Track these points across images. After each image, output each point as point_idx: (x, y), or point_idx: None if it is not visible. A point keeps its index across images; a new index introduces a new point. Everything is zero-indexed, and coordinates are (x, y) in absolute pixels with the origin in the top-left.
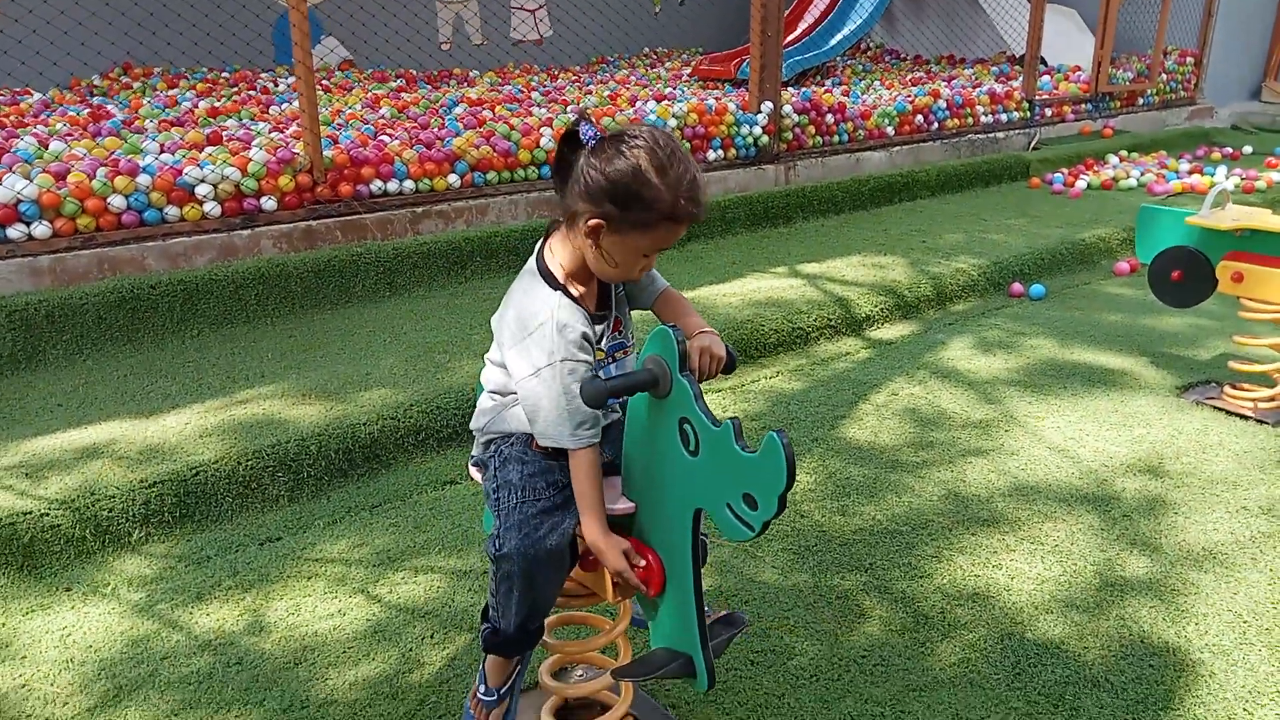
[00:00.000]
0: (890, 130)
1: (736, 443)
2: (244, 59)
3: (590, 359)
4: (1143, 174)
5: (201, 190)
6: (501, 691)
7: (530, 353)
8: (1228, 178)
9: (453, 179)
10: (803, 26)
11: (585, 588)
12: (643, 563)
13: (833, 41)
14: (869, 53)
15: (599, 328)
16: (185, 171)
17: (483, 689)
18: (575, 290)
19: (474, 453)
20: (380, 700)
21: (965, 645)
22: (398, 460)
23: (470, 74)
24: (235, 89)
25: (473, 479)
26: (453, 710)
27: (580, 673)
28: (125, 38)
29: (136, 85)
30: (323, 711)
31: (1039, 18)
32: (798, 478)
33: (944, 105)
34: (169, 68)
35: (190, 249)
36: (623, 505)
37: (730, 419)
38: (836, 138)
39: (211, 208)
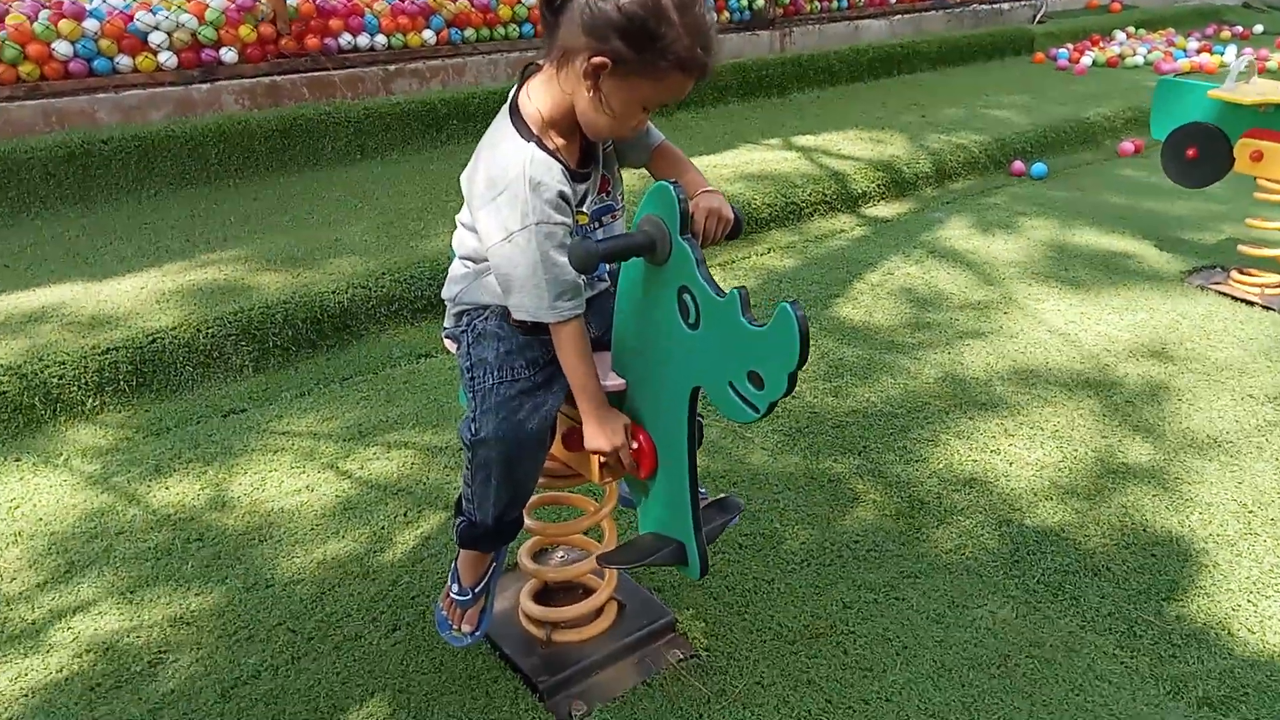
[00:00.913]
0: None
1: (743, 315)
2: None
3: (569, 221)
4: (1150, 51)
5: (155, 38)
6: (476, 590)
7: (501, 214)
8: (1238, 56)
9: (428, 35)
10: None
11: (569, 468)
12: (634, 444)
13: None
14: None
15: (581, 186)
16: (137, 17)
17: (456, 588)
18: (553, 142)
19: (446, 324)
20: (350, 580)
21: (961, 531)
22: (369, 331)
23: None
24: None
25: (448, 351)
26: (426, 592)
27: (561, 554)
28: None
29: None
30: (289, 591)
31: None
32: None
33: None
34: None
35: (144, 102)
36: (612, 383)
37: (737, 288)
38: (835, 3)
39: (167, 58)
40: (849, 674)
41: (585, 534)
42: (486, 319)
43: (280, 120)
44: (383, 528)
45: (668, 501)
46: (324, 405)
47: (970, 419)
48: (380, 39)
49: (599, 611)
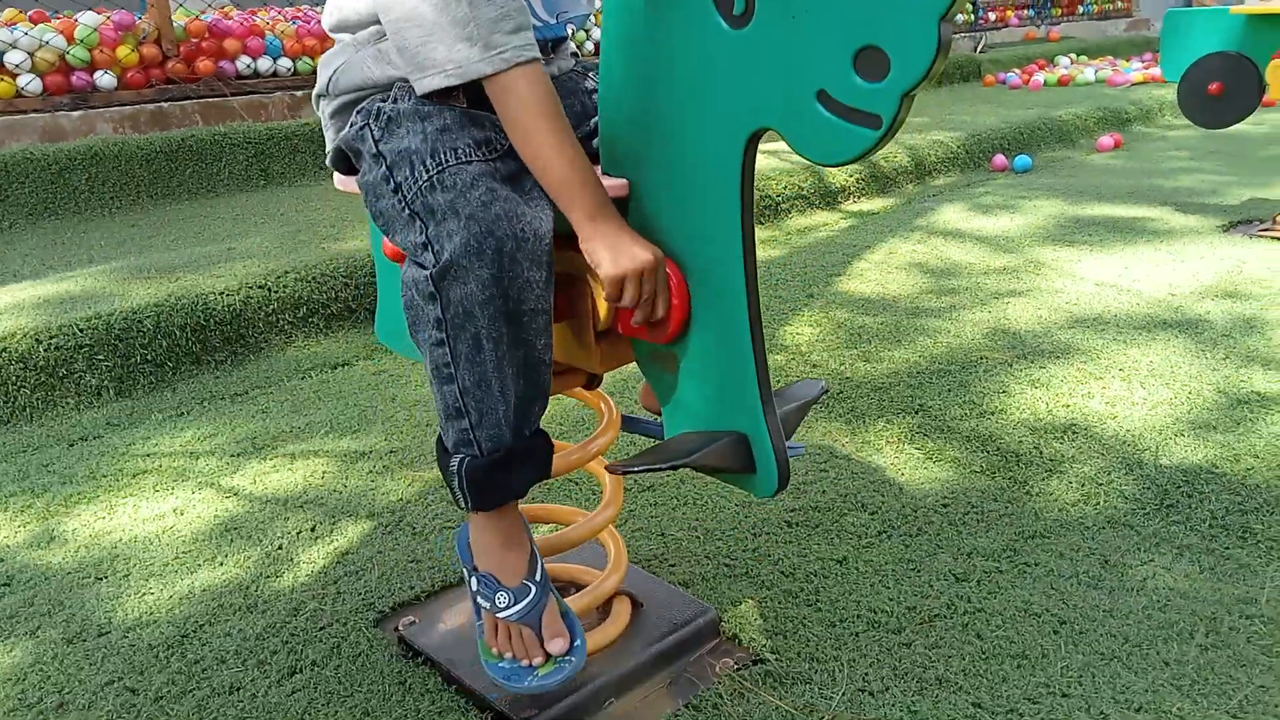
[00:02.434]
0: None
1: None
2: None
3: None
4: (1097, 72)
5: (13, 58)
6: (533, 579)
7: None
8: None
9: None
10: None
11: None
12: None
13: None
14: None
15: None
16: None
17: (499, 597)
18: None
19: (328, 143)
20: (227, 615)
21: (1082, 479)
22: (270, 342)
23: None
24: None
25: (340, 189)
26: (344, 618)
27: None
28: None
29: None
30: (131, 639)
31: None
32: (799, 329)
33: None
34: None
35: (1, 131)
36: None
37: None
38: None
39: (29, 82)
40: (995, 664)
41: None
42: (395, 99)
43: (165, 143)
44: (279, 547)
45: (713, 372)
46: (207, 422)
47: (1041, 368)
48: (285, 63)
49: (603, 611)
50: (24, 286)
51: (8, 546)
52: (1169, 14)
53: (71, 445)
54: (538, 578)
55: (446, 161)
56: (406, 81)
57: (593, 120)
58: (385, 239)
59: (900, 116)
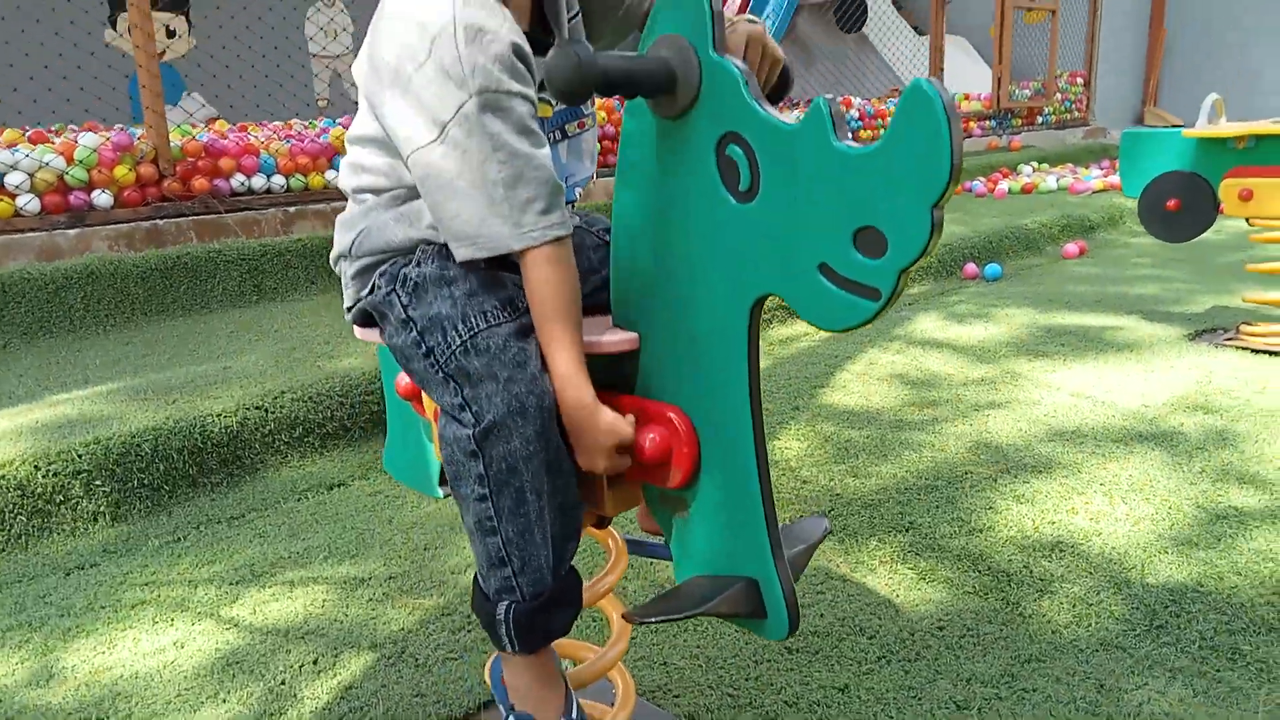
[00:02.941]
0: None
1: (837, 137)
2: (97, 116)
3: (530, 93)
4: (1058, 180)
5: (13, 180)
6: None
7: (422, 99)
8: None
9: (331, 175)
10: None
11: None
12: (651, 436)
13: None
14: None
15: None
16: None
17: None
18: None
19: (348, 298)
20: None
21: (1073, 600)
22: (267, 463)
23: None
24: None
25: (360, 338)
26: None
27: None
28: None
29: None
30: None
31: (939, 38)
32: (787, 444)
33: (856, 115)
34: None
35: None
36: (614, 338)
37: (822, 98)
38: None
39: (27, 201)
40: None
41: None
42: (419, 262)
43: (160, 260)
44: (282, 682)
45: (723, 518)
46: (204, 548)
47: (1025, 483)
48: (278, 180)
49: None
50: (20, 410)
51: (6, 686)
52: (1125, 134)
53: (68, 574)
54: (574, 716)
55: (478, 326)
56: (430, 244)
57: (600, 274)
58: (399, 377)
59: (899, 289)
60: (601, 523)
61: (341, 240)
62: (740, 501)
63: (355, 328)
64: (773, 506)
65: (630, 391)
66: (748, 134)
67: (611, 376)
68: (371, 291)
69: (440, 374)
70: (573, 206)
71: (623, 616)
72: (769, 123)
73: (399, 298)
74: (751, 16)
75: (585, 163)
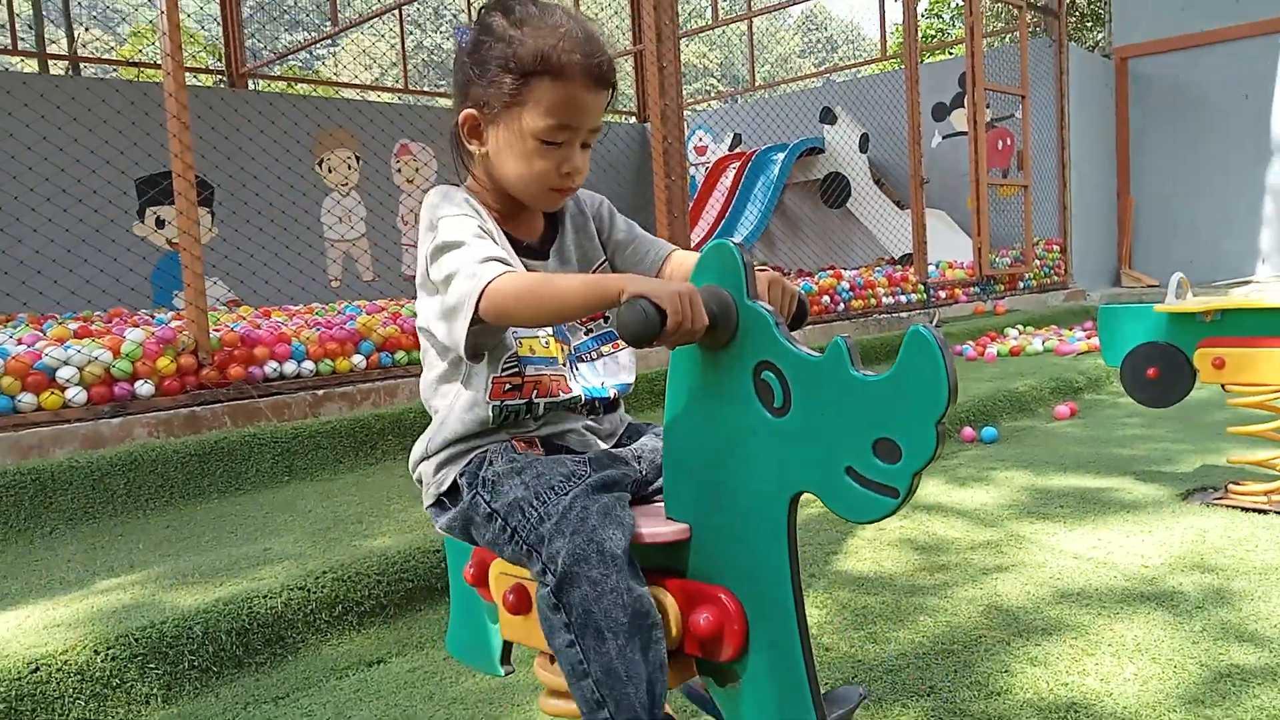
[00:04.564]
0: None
1: (854, 367)
2: (124, 303)
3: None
4: (1044, 342)
5: (64, 374)
6: None
7: (424, 259)
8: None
9: (358, 359)
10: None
11: None
12: (706, 615)
13: None
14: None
15: (539, 265)
16: (45, 353)
17: None
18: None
19: (426, 499)
20: None
21: None
22: (308, 642)
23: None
24: (109, 324)
25: (442, 534)
26: None
27: None
28: None
29: None
30: None
31: (921, 210)
32: (807, 611)
33: (847, 286)
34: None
35: (46, 440)
36: (668, 529)
37: (841, 337)
38: None
39: (75, 393)
40: None
41: None
42: (488, 462)
43: (198, 445)
44: None
45: (771, 688)
46: None
47: (1037, 645)
48: (308, 365)
49: None
50: (73, 596)
51: None
52: (1102, 310)
53: None
54: None
55: (548, 499)
56: (494, 441)
57: (657, 482)
58: (467, 566)
59: (914, 487)
60: None
61: (421, 444)
62: (786, 673)
63: (440, 527)
64: (815, 676)
65: (683, 575)
66: (780, 364)
67: (667, 561)
68: (450, 487)
69: (525, 548)
70: (616, 406)
71: None
72: (797, 356)
73: (481, 497)
74: (763, 265)
75: (623, 375)
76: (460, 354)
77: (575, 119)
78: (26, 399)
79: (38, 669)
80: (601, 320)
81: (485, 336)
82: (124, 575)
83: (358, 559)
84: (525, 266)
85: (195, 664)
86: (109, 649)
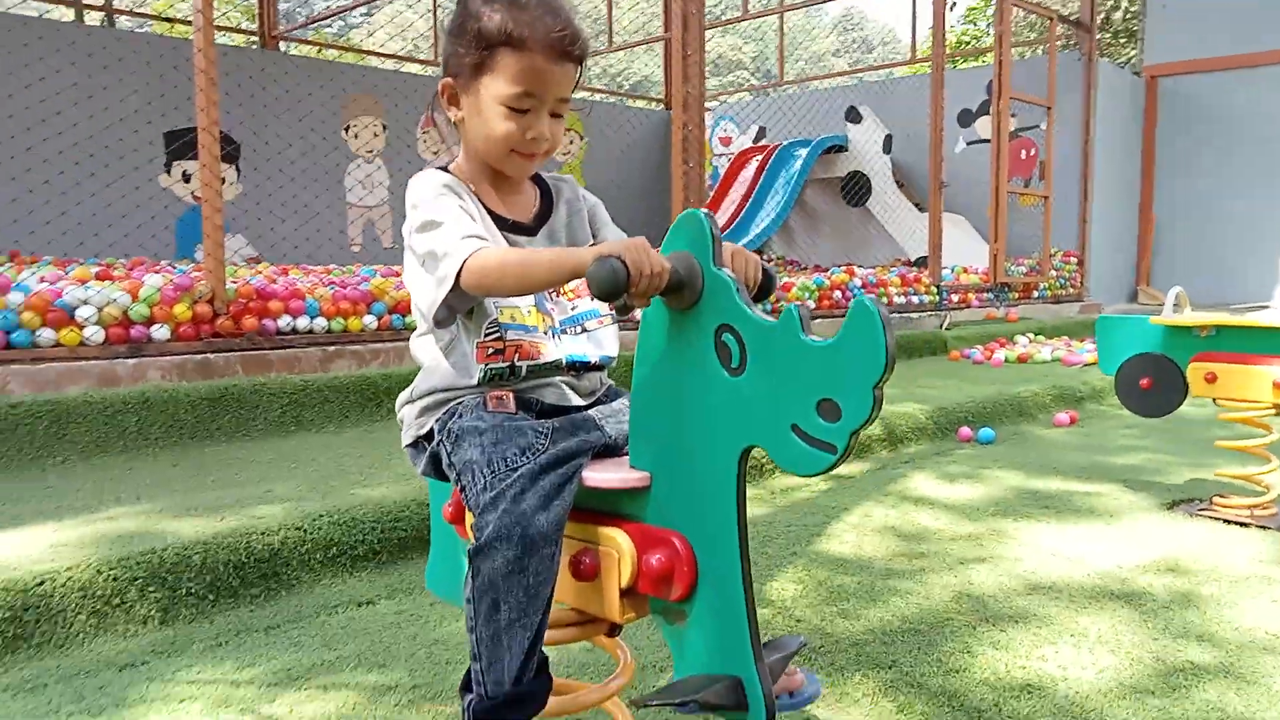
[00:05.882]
0: (811, 304)
1: (805, 333)
2: (146, 252)
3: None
4: (1052, 351)
5: (83, 313)
6: None
7: (407, 234)
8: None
9: (369, 320)
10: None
11: (579, 613)
12: (659, 556)
13: (740, 243)
14: (770, 261)
15: (522, 240)
16: (66, 292)
17: None
18: (475, 187)
19: (405, 439)
20: None
21: None
22: (302, 580)
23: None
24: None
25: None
26: None
27: None
28: (13, 226)
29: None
30: None
31: (938, 214)
32: (784, 586)
33: (859, 283)
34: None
35: (61, 375)
36: (630, 475)
37: (794, 305)
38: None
39: (93, 333)
40: None
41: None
42: (459, 414)
43: (209, 390)
44: None
45: (714, 626)
46: (244, 653)
47: (1002, 630)
48: (320, 321)
49: None
50: (81, 521)
51: None
52: (1100, 319)
53: (121, 670)
54: None
55: (498, 469)
56: (470, 392)
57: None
58: (446, 504)
59: (851, 446)
60: (614, 630)
61: (408, 391)
62: (729, 613)
63: (415, 464)
64: (755, 618)
65: (641, 520)
66: (739, 326)
67: (628, 508)
68: (425, 430)
69: (469, 505)
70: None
71: (631, 701)
72: (754, 320)
73: (445, 446)
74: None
75: (606, 348)
76: (429, 322)
77: (537, 88)
78: (46, 334)
79: (43, 583)
80: (586, 299)
81: (460, 304)
82: (130, 505)
83: (355, 506)
84: (512, 242)
85: (192, 590)
86: (111, 570)
